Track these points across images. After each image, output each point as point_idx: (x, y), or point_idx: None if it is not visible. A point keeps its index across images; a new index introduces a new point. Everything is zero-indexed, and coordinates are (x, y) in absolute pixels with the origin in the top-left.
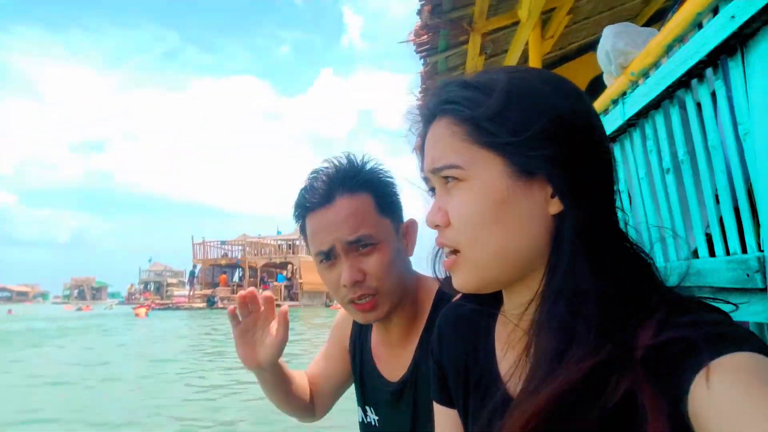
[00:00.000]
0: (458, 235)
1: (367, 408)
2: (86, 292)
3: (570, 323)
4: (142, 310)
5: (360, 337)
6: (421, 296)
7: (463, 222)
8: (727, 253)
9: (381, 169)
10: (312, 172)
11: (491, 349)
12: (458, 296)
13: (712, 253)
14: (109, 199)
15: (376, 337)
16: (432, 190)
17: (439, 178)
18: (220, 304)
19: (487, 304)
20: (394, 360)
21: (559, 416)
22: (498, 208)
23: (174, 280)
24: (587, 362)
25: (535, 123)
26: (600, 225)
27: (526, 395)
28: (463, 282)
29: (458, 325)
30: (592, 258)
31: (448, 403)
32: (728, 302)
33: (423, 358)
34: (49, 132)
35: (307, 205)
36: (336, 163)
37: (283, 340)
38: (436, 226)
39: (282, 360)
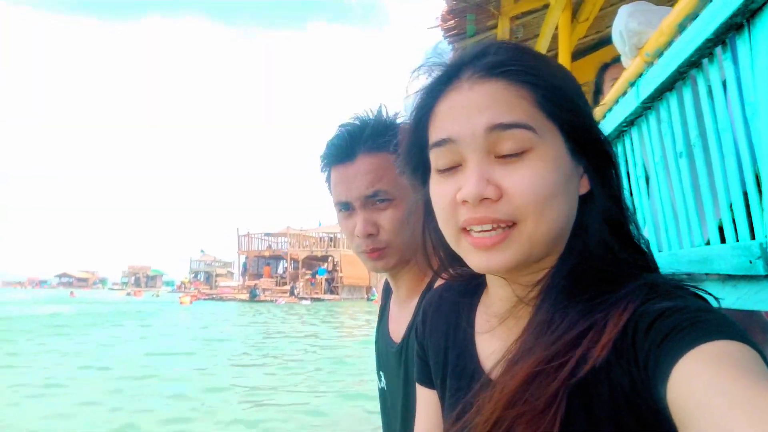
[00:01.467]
0: (520, 209)
1: (381, 373)
2: (141, 279)
3: (564, 302)
4: (187, 299)
5: (385, 300)
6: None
7: (533, 193)
8: (737, 240)
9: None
10: (340, 126)
11: (471, 332)
12: (442, 282)
13: (724, 241)
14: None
15: (394, 298)
16: (440, 170)
17: (490, 142)
18: (262, 296)
19: (471, 288)
20: (399, 321)
21: (535, 392)
22: (565, 183)
23: (223, 271)
24: (562, 339)
25: (581, 108)
26: (617, 212)
27: (507, 373)
28: (510, 258)
29: (441, 307)
30: (609, 240)
31: (429, 384)
32: (710, 294)
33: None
34: None
35: (331, 158)
36: (364, 119)
37: None
38: (482, 201)
39: None
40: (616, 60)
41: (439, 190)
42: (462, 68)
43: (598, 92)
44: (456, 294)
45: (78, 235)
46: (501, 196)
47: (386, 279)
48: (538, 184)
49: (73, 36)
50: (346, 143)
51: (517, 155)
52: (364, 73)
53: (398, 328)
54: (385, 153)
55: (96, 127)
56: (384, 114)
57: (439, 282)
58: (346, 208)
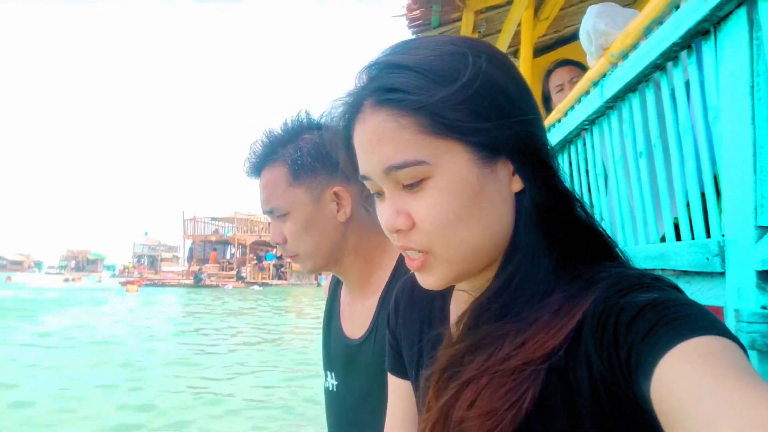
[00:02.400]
0: (429, 237)
1: (329, 373)
2: (81, 263)
3: (517, 299)
4: (134, 287)
5: (333, 297)
6: (378, 257)
7: (436, 223)
8: (693, 238)
9: (314, 133)
10: (254, 141)
11: (446, 321)
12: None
13: (679, 239)
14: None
15: (343, 296)
16: (375, 194)
17: (394, 180)
18: (207, 281)
19: None
20: (356, 317)
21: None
22: (473, 202)
23: (168, 255)
24: (525, 335)
25: (500, 104)
26: (557, 200)
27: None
28: (437, 281)
29: (414, 296)
30: (551, 233)
31: (402, 374)
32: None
33: (382, 317)
34: None
35: (248, 174)
36: (272, 129)
37: None
38: (397, 231)
39: None
40: (558, 64)
41: (378, 215)
42: (361, 96)
43: (546, 99)
44: None
45: (10, 216)
46: (413, 225)
47: (333, 277)
48: (437, 213)
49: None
50: (253, 159)
51: (417, 185)
52: (315, 50)
53: (354, 326)
54: (280, 166)
55: (32, 104)
56: (295, 121)
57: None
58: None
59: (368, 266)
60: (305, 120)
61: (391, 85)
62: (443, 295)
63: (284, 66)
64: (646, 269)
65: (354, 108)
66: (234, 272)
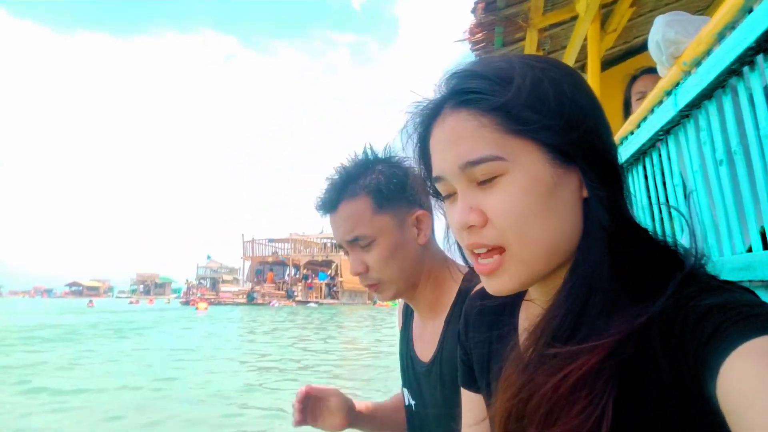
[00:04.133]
0: (503, 233)
1: (405, 390)
2: (150, 287)
3: (586, 307)
4: (204, 305)
5: (406, 320)
6: (445, 279)
7: (511, 218)
8: None
9: (389, 164)
10: (326, 178)
11: (514, 334)
12: (481, 287)
13: (767, 248)
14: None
15: (415, 320)
16: (439, 196)
17: (467, 175)
18: (259, 300)
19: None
20: (425, 340)
21: (567, 398)
22: (547, 199)
23: (229, 277)
24: (599, 342)
25: (565, 108)
26: (621, 208)
27: (531, 376)
28: (510, 282)
29: (484, 311)
30: (618, 240)
31: (474, 388)
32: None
33: (448, 337)
34: None
35: (321, 210)
36: (345, 165)
37: (339, 407)
38: (470, 228)
39: (369, 405)
40: (644, 71)
41: (449, 216)
42: (441, 100)
43: (627, 105)
44: (497, 299)
45: (86, 243)
46: (486, 221)
47: (405, 302)
48: (513, 208)
49: (84, 52)
50: (328, 195)
51: (492, 181)
52: (375, 86)
53: (425, 348)
54: (363, 196)
55: (103, 139)
56: (363, 156)
57: (478, 287)
58: (345, 250)
59: (437, 289)
60: (371, 153)
61: (470, 88)
62: (512, 310)
63: (349, 97)
64: (729, 282)
65: (434, 112)
66: (284, 291)
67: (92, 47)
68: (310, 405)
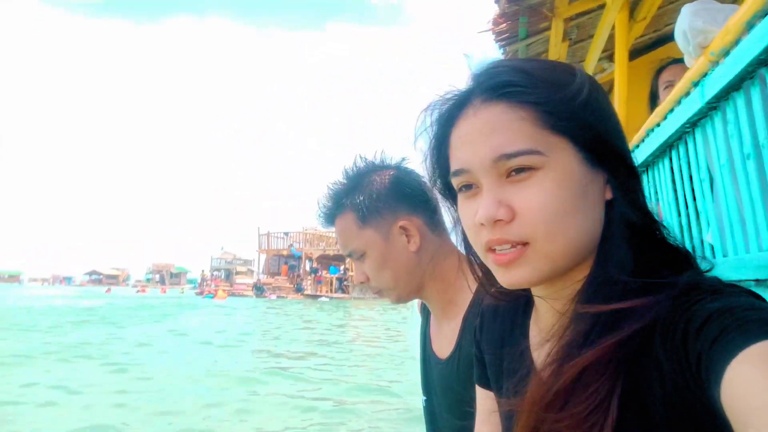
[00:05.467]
0: (532, 228)
1: (424, 389)
2: (165, 277)
3: (605, 307)
4: (223, 294)
5: (425, 319)
6: (457, 276)
7: (544, 212)
8: None
9: (377, 173)
10: (323, 194)
11: (526, 334)
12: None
13: None
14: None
15: (432, 318)
16: (447, 194)
17: (497, 168)
18: (267, 293)
19: (523, 298)
20: (443, 338)
21: (577, 392)
22: (579, 196)
23: (243, 269)
24: (608, 342)
25: (597, 110)
26: (641, 214)
27: (549, 371)
28: (529, 275)
29: (498, 310)
30: (635, 244)
31: (487, 385)
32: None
33: (466, 336)
34: None
35: (323, 226)
36: (335, 181)
37: None
38: (496, 222)
39: None
40: (672, 62)
41: (464, 213)
42: (469, 93)
43: (654, 97)
44: (511, 301)
45: (104, 232)
46: (514, 217)
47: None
48: (547, 204)
49: (103, 38)
50: (323, 212)
51: (526, 174)
52: (389, 75)
53: (442, 346)
54: (347, 213)
55: (123, 129)
56: (352, 169)
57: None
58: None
59: (450, 289)
60: (363, 165)
61: (511, 80)
62: (525, 310)
63: (364, 86)
64: (755, 279)
65: (461, 104)
66: (293, 285)
67: (118, 34)
68: None
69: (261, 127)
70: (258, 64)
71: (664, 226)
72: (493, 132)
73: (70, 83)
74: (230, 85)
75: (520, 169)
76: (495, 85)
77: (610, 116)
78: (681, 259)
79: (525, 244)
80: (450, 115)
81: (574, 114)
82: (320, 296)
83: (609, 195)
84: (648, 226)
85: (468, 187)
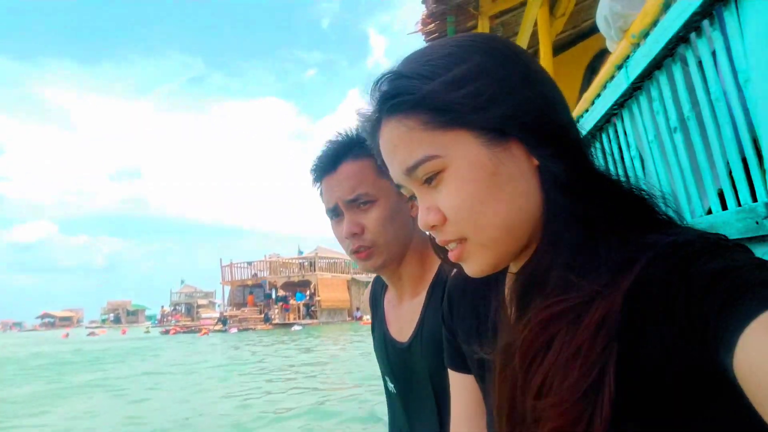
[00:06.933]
0: (460, 226)
1: (386, 377)
2: (122, 316)
3: (559, 271)
4: (203, 330)
5: (375, 305)
6: (429, 255)
7: (462, 210)
8: (739, 205)
9: None
10: (326, 142)
11: (501, 308)
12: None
13: (725, 209)
14: (143, 225)
15: (388, 301)
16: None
17: (415, 179)
18: (229, 327)
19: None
20: (402, 320)
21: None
22: (491, 183)
23: (204, 301)
24: (570, 300)
25: (487, 84)
26: (580, 166)
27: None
28: (479, 267)
29: (467, 289)
30: (587, 201)
31: (462, 368)
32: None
33: (428, 315)
34: (85, 161)
35: (317, 171)
36: (346, 133)
37: None
38: (433, 227)
39: None
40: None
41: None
42: (374, 113)
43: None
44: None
45: (55, 276)
46: (445, 218)
47: (371, 288)
48: (459, 200)
49: None
50: (328, 155)
51: (436, 179)
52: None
53: (403, 328)
54: (367, 159)
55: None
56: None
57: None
58: (335, 214)
59: (421, 266)
60: None
61: (391, 91)
62: (496, 286)
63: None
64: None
65: (375, 127)
66: (262, 315)
67: (58, 75)
68: None
69: (217, 162)
70: (209, 94)
71: (637, 185)
72: (395, 149)
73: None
74: (180, 117)
75: (429, 177)
76: (381, 101)
77: (510, 79)
78: (650, 212)
79: (463, 239)
80: (373, 138)
81: (460, 104)
82: (292, 324)
83: (536, 162)
84: (595, 179)
85: (411, 199)
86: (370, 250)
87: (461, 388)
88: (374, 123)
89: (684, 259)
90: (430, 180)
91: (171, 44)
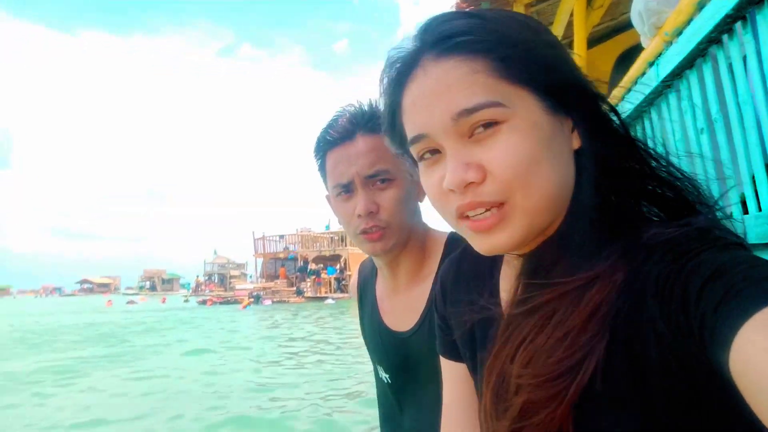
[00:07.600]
0: (507, 185)
1: (378, 367)
2: (157, 284)
3: (571, 255)
4: (246, 301)
5: (364, 294)
6: (430, 245)
7: (516, 166)
8: (760, 210)
9: None
10: (337, 112)
11: (495, 301)
12: (457, 253)
13: (747, 212)
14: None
15: (381, 290)
16: (422, 157)
17: (459, 128)
18: (263, 299)
19: (488, 257)
20: (399, 309)
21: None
22: (548, 147)
23: (237, 272)
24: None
25: (555, 58)
26: (621, 161)
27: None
28: (511, 237)
29: (460, 278)
30: (614, 191)
31: (454, 356)
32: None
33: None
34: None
35: (330, 139)
36: (363, 103)
37: None
38: (467, 186)
39: None
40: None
41: (427, 181)
42: (416, 52)
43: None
44: (474, 264)
45: (92, 242)
46: (485, 176)
47: (359, 275)
48: (516, 157)
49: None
50: (346, 124)
51: (492, 129)
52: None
53: (400, 318)
54: (383, 135)
55: (105, 138)
56: (376, 104)
57: (457, 251)
58: (346, 190)
59: (421, 254)
60: None
61: (459, 29)
62: (491, 273)
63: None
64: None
65: (406, 68)
66: (293, 288)
67: (95, 46)
68: None
69: (244, 131)
70: (243, 67)
71: (659, 159)
72: (448, 89)
73: (54, 94)
74: (217, 89)
75: (484, 125)
76: (441, 39)
77: (566, 61)
78: (682, 198)
79: (501, 204)
80: (399, 81)
81: (530, 61)
82: (325, 297)
83: (577, 144)
84: (632, 160)
85: (432, 152)
86: (383, 231)
87: (454, 376)
88: (410, 64)
89: (684, 254)
90: (479, 131)
91: (200, 15)
